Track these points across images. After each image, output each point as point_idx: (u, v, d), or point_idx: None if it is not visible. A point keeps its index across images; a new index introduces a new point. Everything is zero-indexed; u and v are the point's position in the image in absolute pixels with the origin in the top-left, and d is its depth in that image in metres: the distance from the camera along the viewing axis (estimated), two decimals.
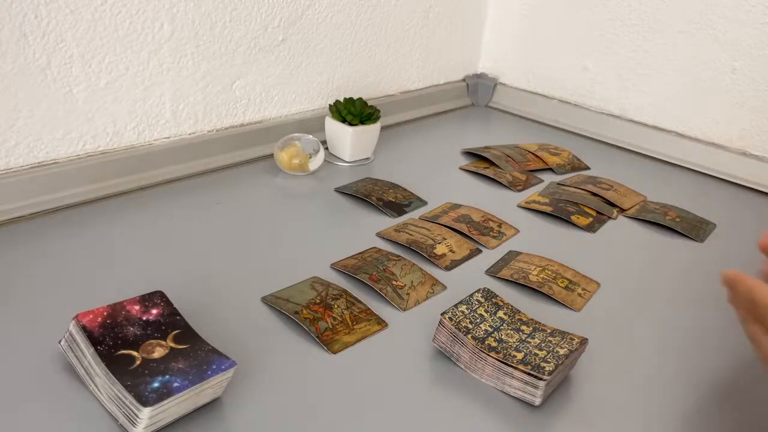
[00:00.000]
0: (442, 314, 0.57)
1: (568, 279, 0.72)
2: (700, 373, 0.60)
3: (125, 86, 0.81)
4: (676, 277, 0.77)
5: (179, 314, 0.54)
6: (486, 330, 0.58)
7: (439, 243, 0.77)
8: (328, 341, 0.59)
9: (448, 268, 0.73)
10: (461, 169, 1.03)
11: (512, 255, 0.77)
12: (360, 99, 0.99)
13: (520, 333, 0.58)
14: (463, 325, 0.57)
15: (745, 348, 0.63)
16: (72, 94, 0.76)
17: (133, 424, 0.45)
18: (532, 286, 0.70)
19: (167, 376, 0.47)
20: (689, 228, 0.87)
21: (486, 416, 0.52)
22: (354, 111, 0.97)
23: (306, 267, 0.70)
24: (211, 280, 0.66)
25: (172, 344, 0.51)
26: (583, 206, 0.90)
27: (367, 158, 1.02)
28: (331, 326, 0.60)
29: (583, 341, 0.57)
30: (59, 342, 0.52)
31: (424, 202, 0.89)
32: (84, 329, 0.49)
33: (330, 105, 1.00)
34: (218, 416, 0.49)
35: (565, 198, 0.92)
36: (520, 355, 0.55)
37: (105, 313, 0.51)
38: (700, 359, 0.62)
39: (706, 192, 1.03)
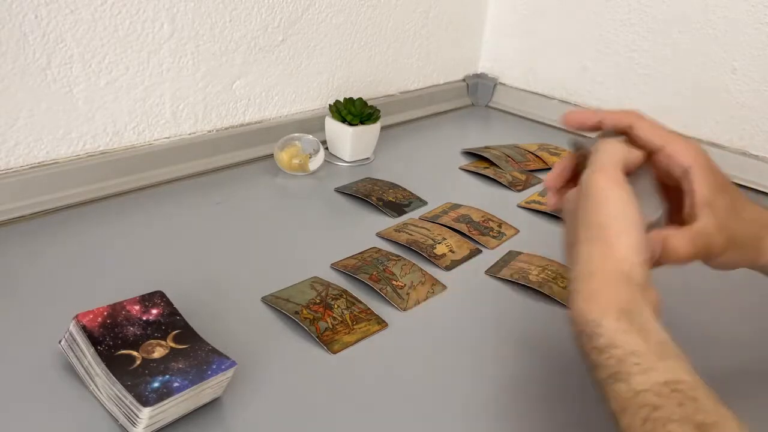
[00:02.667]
0: None
1: (568, 279, 0.72)
2: (699, 373, 0.60)
3: (125, 86, 0.81)
4: (675, 277, 0.77)
5: (179, 314, 0.54)
6: None
7: (439, 243, 0.77)
8: (328, 341, 0.58)
9: (448, 268, 0.73)
10: (461, 169, 1.03)
11: (512, 255, 0.77)
12: (360, 99, 0.99)
13: None
14: None
15: (744, 347, 0.63)
16: (72, 94, 0.76)
17: (133, 424, 0.45)
18: (532, 287, 0.70)
19: (167, 376, 0.47)
20: None
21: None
22: (354, 111, 0.97)
23: (306, 267, 0.70)
24: (211, 280, 0.66)
25: (172, 344, 0.51)
26: None
27: (367, 158, 1.02)
28: (331, 326, 0.60)
29: None
30: (59, 342, 0.52)
31: (424, 202, 0.89)
32: (84, 329, 0.49)
33: (330, 105, 1.00)
34: (218, 416, 0.49)
35: None
36: None
37: (105, 313, 0.51)
38: (700, 358, 0.62)
39: None
